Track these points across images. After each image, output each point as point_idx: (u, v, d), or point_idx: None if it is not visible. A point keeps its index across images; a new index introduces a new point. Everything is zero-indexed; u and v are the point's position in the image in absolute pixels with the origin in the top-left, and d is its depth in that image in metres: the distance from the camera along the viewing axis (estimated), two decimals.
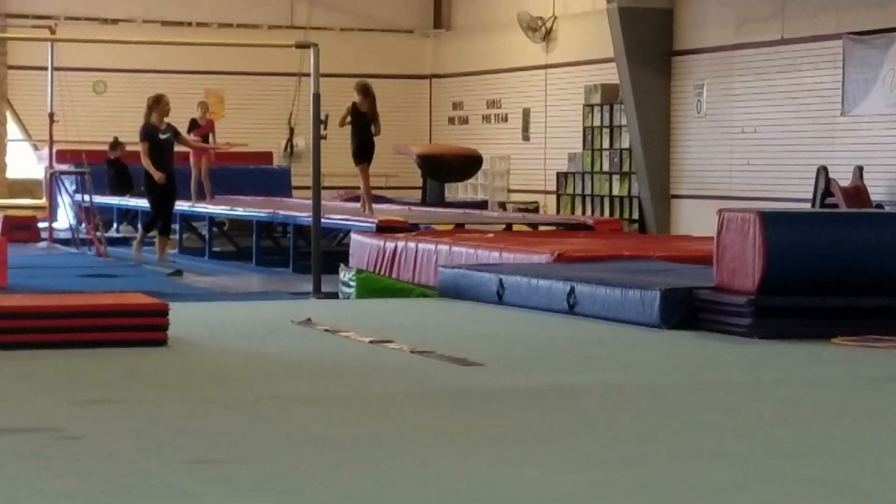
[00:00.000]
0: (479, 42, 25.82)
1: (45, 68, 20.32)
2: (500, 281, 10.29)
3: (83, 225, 18.69)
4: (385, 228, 14.33)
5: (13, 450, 5.24)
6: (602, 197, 22.11)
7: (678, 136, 20.89)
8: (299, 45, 15.18)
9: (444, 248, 12.44)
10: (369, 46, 26.54)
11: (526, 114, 24.50)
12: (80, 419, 5.90)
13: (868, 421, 6.00)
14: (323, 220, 14.05)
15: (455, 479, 4.85)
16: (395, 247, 13.16)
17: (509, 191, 24.93)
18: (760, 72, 19.28)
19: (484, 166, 23.42)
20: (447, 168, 22.32)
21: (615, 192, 21.89)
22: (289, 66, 24.82)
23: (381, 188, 24.32)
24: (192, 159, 18.78)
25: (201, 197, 18.85)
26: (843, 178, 17.25)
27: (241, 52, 24.84)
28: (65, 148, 21.15)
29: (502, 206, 24.06)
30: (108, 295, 9.77)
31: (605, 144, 22.11)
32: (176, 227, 18.51)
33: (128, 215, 21.01)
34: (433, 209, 19.59)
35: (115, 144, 21.92)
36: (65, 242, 19.10)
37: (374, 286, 11.90)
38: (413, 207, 19.22)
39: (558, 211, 22.62)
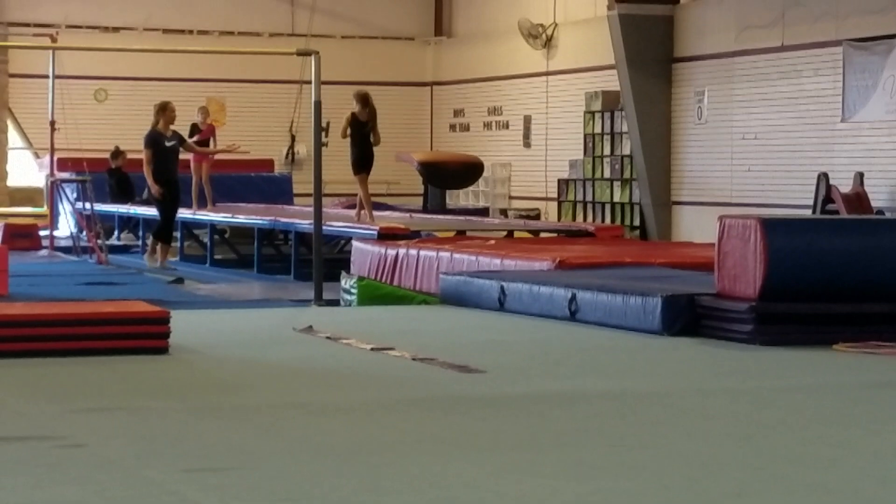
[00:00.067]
0: (480, 49, 25.84)
1: (47, 76, 20.32)
2: (502, 288, 10.29)
3: (84, 233, 18.69)
4: (386, 236, 14.33)
5: (15, 458, 5.24)
6: (603, 203, 22.11)
7: (679, 142, 20.89)
8: (300, 53, 15.16)
9: (445, 255, 12.44)
10: (370, 54, 26.56)
11: (527, 121, 24.51)
12: (82, 427, 5.90)
13: (869, 427, 6.00)
14: (324, 228, 14.04)
15: (457, 487, 4.85)
16: (397, 254, 13.16)
17: (510, 198, 24.94)
18: (761, 78, 19.28)
19: (485, 173, 23.43)
20: (448, 175, 22.33)
21: (616, 198, 21.89)
22: (290, 74, 24.84)
23: (382, 195, 24.33)
24: (192, 165, 18.78)
25: (202, 203, 18.85)
26: (844, 184, 17.25)
27: (243, 60, 24.85)
28: (66, 156, 21.15)
29: (503, 212, 24.06)
30: (109, 303, 9.77)
31: (606, 151, 22.12)
32: (177, 234, 18.51)
33: (129, 223, 21.01)
34: (434, 216, 19.59)
35: (116, 154, 21.92)
36: (66, 250, 19.09)
37: (376, 293, 11.90)
38: (414, 214, 19.22)
39: (559, 218, 22.63)
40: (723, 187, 19.95)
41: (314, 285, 12.92)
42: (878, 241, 8.93)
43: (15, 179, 25.22)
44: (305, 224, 15.53)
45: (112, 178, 21.65)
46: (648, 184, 20.96)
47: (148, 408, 6.39)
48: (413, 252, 12.96)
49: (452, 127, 26.78)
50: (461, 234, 15.83)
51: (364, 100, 15.64)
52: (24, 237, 19.37)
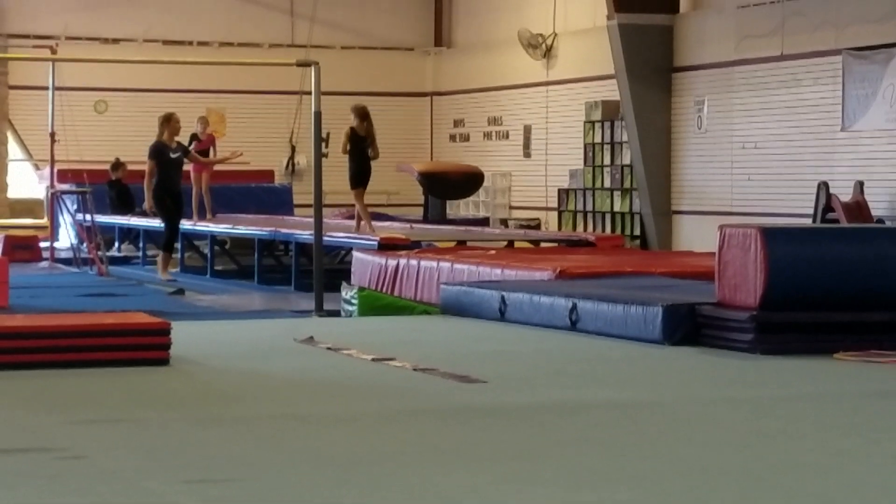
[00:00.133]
0: (480, 59, 25.86)
1: (47, 88, 20.33)
2: (503, 298, 10.29)
3: (84, 244, 18.69)
4: (387, 246, 14.33)
5: (16, 470, 5.24)
6: (603, 213, 22.11)
7: (679, 152, 20.90)
8: (300, 64, 15.18)
9: (445, 265, 12.44)
10: (370, 64, 26.58)
11: (527, 130, 24.52)
12: (83, 439, 5.90)
13: (870, 436, 6.00)
14: (325, 238, 14.04)
15: (458, 497, 4.84)
16: (397, 264, 13.16)
17: (511, 207, 24.94)
18: (761, 88, 19.30)
19: (485, 183, 23.43)
20: (449, 185, 22.33)
21: (616, 208, 21.89)
22: (290, 85, 24.85)
23: (382, 205, 24.34)
24: (192, 175, 18.79)
25: (202, 214, 18.86)
26: (844, 193, 17.26)
27: (243, 71, 24.87)
28: (66, 167, 21.16)
29: (504, 222, 24.06)
30: (109, 314, 9.76)
31: (606, 161, 22.12)
32: (178, 245, 18.51)
33: (129, 235, 21.02)
34: (435, 226, 19.59)
35: (117, 166, 21.93)
36: (66, 262, 19.09)
37: (376, 304, 11.90)
38: (415, 225, 19.22)
39: (560, 227, 22.63)
40: (723, 196, 19.96)
41: (315, 296, 12.92)
42: (879, 250, 8.93)
43: (15, 191, 25.22)
44: (306, 235, 15.53)
45: (112, 190, 21.66)
46: (648, 193, 20.97)
47: (149, 419, 6.38)
48: (414, 262, 12.96)
49: (452, 137, 26.79)
50: (462, 244, 15.83)
51: (363, 114, 15.62)
52: (24, 249, 19.37)
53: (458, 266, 12.28)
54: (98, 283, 16.15)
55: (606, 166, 22.12)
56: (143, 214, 19.68)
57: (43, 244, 19.79)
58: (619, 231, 21.33)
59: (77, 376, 7.62)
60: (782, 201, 18.71)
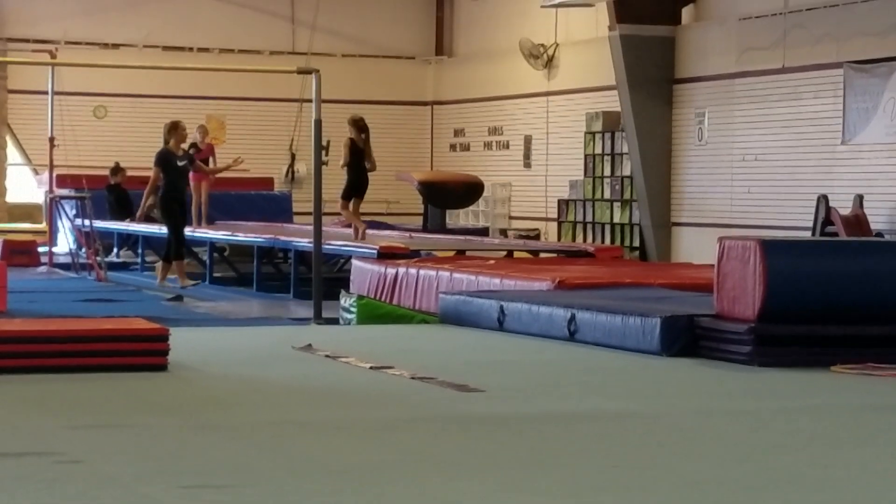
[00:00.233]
0: (481, 69, 25.87)
1: (46, 93, 20.35)
2: (501, 308, 10.28)
3: (83, 249, 18.69)
4: (386, 255, 14.33)
5: (14, 474, 5.23)
6: (603, 224, 22.11)
7: (679, 163, 20.91)
8: (301, 71, 15.20)
9: (445, 274, 12.44)
10: (371, 73, 26.59)
11: (527, 141, 24.53)
12: (81, 444, 5.90)
13: (868, 449, 5.99)
14: (324, 246, 14.05)
15: None
16: (396, 273, 13.16)
17: (510, 218, 24.95)
18: (761, 100, 19.31)
19: (485, 193, 23.43)
20: (448, 195, 22.34)
21: (616, 219, 21.90)
22: (290, 92, 24.86)
23: (381, 214, 24.35)
24: (192, 184, 18.80)
25: (201, 221, 18.86)
26: (844, 206, 17.26)
27: (243, 78, 24.88)
28: (65, 172, 21.16)
29: (503, 232, 24.06)
30: (108, 320, 9.77)
31: (607, 172, 22.13)
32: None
33: (128, 240, 21.01)
34: (434, 236, 19.59)
35: (116, 170, 21.94)
36: (65, 267, 19.09)
37: (375, 312, 11.89)
38: (414, 234, 19.22)
39: (559, 238, 22.63)
40: (722, 209, 19.96)
41: (313, 304, 12.92)
42: (878, 264, 8.94)
43: (14, 196, 25.22)
44: (305, 242, 15.53)
45: (111, 195, 21.66)
46: (648, 205, 20.97)
47: (147, 424, 6.38)
48: (413, 271, 12.95)
49: (453, 146, 26.80)
50: (461, 253, 15.83)
51: (362, 125, 15.64)
52: (22, 254, 19.37)
53: (457, 275, 12.27)
54: (96, 289, 16.15)
55: (606, 177, 22.12)
56: (147, 220, 19.68)
57: (41, 249, 19.80)
58: (618, 242, 21.33)
59: (75, 381, 7.62)
60: (782, 214, 18.71)
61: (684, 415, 6.91)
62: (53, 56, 21.24)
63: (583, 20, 22.81)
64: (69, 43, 24.83)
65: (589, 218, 22.39)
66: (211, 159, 19.64)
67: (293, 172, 26.19)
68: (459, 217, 25.19)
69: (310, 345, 9.22)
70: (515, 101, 24.76)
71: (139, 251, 20.07)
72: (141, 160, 23.74)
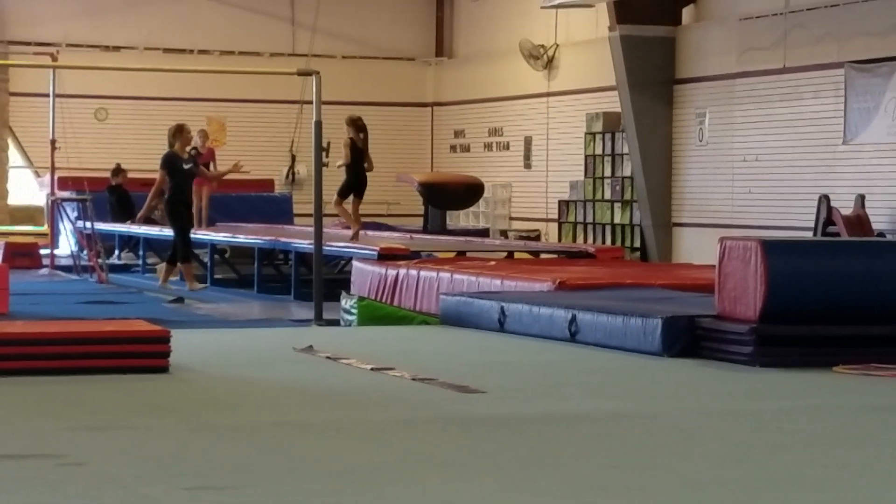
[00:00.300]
0: (481, 70, 25.88)
1: (47, 95, 20.35)
2: (502, 309, 10.28)
3: (85, 252, 18.70)
4: (387, 256, 14.33)
5: (16, 476, 5.23)
6: (604, 225, 22.11)
7: (680, 164, 20.91)
8: (301, 73, 15.18)
9: (445, 275, 12.44)
10: (371, 74, 26.60)
11: (528, 142, 24.54)
12: (83, 445, 5.90)
13: (869, 450, 5.99)
14: (324, 248, 14.04)
15: None
16: (397, 274, 13.16)
17: (511, 219, 24.95)
18: (762, 100, 19.31)
19: (485, 194, 23.43)
20: (449, 196, 22.34)
21: (617, 220, 21.90)
22: (291, 94, 24.87)
23: (382, 215, 24.35)
24: (193, 187, 18.79)
25: (201, 224, 18.85)
26: (845, 206, 17.26)
27: (243, 80, 24.89)
28: (66, 175, 21.17)
29: (504, 233, 24.06)
30: (109, 322, 9.77)
31: (607, 172, 22.13)
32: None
33: (129, 242, 21.02)
34: (435, 237, 19.59)
35: (117, 171, 21.94)
36: (66, 269, 19.09)
37: (376, 313, 11.89)
38: (414, 235, 19.22)
39: (560, 239, 22.63)
40: (723, 209, 19.96)
41: (314, 305, 12.92)
42: (879, 264, 8.93)
43: (15, 198, 25.24)
44: (305, 244, 15.53)
45: (112, 196, 21.66)
46: (649, 205, 20.97)
47: (148, 426, 6.38)
48: (413, 272, 12.96)
49: (453, 147, 26.80)
50: (461, 254, 15.83)
51: (361, 125, 15.68)
52: (24, 256, 19.38)
53: (457, 276, 12.27)
54: (98, 291, 16.16)
55: (607, 178, 22.12)
56: (149, 222, 19.69)
57: (43, 251, 19.80)
58: (619, 243, 21.33)
59: (77, 383, 7.62)
60: (783, 214, 18.71)
61: (685, 415, 6.91)
62: (54, 59, 21.24)
63: (583, 21, 22.82)
64: (70, 45, 24.84)
65: (589, 219, 22.39)
66: (212, 164, 19.63)
67: (293, 174, 26.20)
68: (460, 218, 25.19)
69: (311, 346, 9.23)
70: (515, 101, 24.77)
71: (140, 253, 20.07)
72: (142, 162, 23.80)
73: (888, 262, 8.99)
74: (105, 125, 25.53)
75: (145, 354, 8.03)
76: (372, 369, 8.22)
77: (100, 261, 17.92)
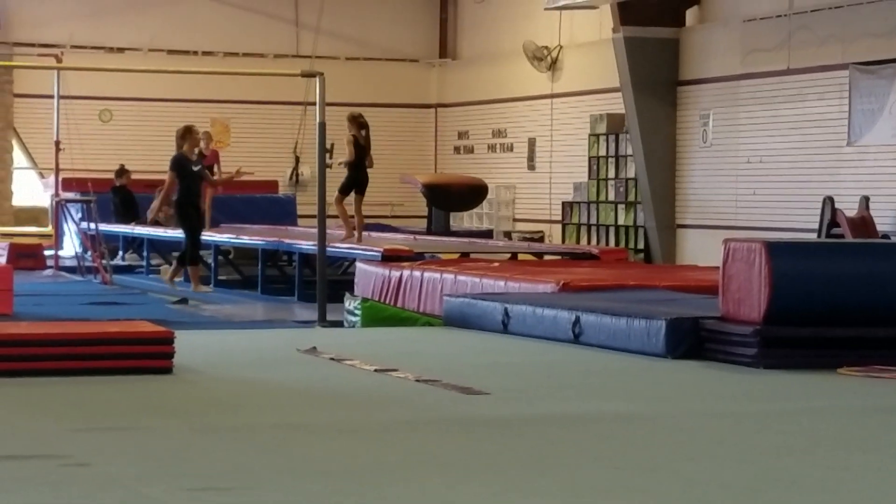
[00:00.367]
0: (485, 71, 25.87)
1: (51, 96, 20.36)
2: (506, 310, 10.28)
3: (89, 253, 18.70)
4: (390, 257, 14.33)
5: (20, 476, 5.23)
6: (607, 226, 22.10)
7: (684, 165, 20.90)
8: (305, 74, 15.18)
9: (449, 276, 12.44)
10: (374, 75, 26.60)
11: (531, 143, 24.53)
12: (86, 446, 5.90)
13: (873, 451, 5.99)
14: (328, 249, 14.04)
15: None
16: (401, 275, 13.16)
17: (515, 220, 24.94)
18: (766, 102, 19.29)
19: (489, 195, 23.43)
20: (452, 197, 22.33)
21: (621, 221, 21.89)
22: (294, 95, 24.88)
23: (386, 217, 24.35)
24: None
25: (204, 226, 18.85)
26: (850, 208, 17.24)
27: (247, 81, 24.89)
28: (71, 176, 21.18)
29: (507, 235, 24.05)
30: (113, 323, 9.77)
31: (611, 174, 22.12)
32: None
33: (133, 243, 21.03)
34: (438, 238, 19.58)
35: (121, 172, 21.95)
36: (70, 270, 19.09)
37: (380, 315, 11.89)
38: (418, 236, 19.22)
39: (564, 240, 22.62)
40: (728, 211, 19.95)
41: (318, 306, 12.91)
42: (884, 266, 8.92)
43: (20, 199, 25.25)
44: (309, 245, 15.53)
45: (116, 196, 21.67)
46: (653, 207, 20.96)
47: (151, 427, 6.38)
48: (417, 274, 12.95)
49: (457, 149, 26.80)
50: (465, 256, 15.83)
51: (363, 122, 15.72)
52: (28, 257, 19.38)
53: (461, 278, 12.27)
54: (102, 292, 16.16)
55: (611, 179, 22.12)
56: (155, 224, 19.69)
57: (47, 252, 19.81)
58: (622, 244, 21.32)
59: (81, 384, 7.63)
60: (787, 216, 18.70)
61: (688, 417, 6.90)
62: (59, 60, 21.24)
63: (587, 22, 22.81)
64: (74, 47, 24.85)
65: (593, 220, 22.38)
66: (216, 165, 19.63)
67: (297, 175, 26.20)
68: (463, 219, 25.19)
69: (314, 347, 9.22)
70: (519, 103, 24.76)
71: (144, 254, 20.07)
72: (146, 163, 23.82)
73: (893, 264, 8.98)
74: (109, 126, 25.54)
75: (149, 355, 8.03)
76: (375, 370, 8.22)
77: (104, 262, 17.92)
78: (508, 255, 16.63)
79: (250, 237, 17.94)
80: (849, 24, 17.93)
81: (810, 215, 17.79)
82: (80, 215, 19.69)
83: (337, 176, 16.27)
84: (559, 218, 23.21)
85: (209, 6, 26.00)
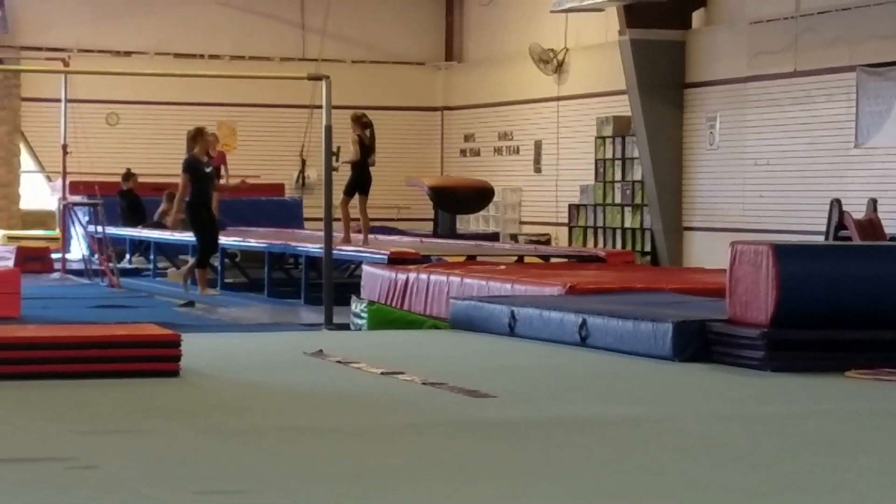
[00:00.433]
0: (491, 74, 25.88)
1: (59, 100, 20.38)
2: (512, 313, 10.27)
3: (96, 256, 18.72)
4: (397, 260, 14.33)
5: (26, 479, 5.23)
6: (614, 229, 22.10)
7: (691, 168, 20.89)
8: (311, 78, 15.18)
9: (455, 279, 12.43)
10: (381, 78, 26.61)
11: (538, 146, 24.53)
12: (93, 449, 5.90)
13: (881, 455, 5.97)
14: (334, 252, 14.04)
15: None
16: (407, 278, 13.16)
17: (521, 223, 24.94)
18: (773, 104, 19.28)
19: (495, 198, 23.43)
20: (459, 200, 22.33)
21: (627, 224, 21.88)
22: (301, 98, 24.89)
23: (392, 220, 24.36)
24: None
25: None
26: (857, 210, 17.21)
27: (254, 84, 24.91)
28: (78, 179, 21.21)
29: (514, 237, 24.05)
30: (120, 326, 9.77)
31: (618, 176, 22.12)
32: (188, 258, 18.54)
33: (140, 247, 21.04)
34: (445, 241, 19.59)
35: (128, 176, 21.99)
36: (78, 273, 19.12)
37: (386, 318, 11.89)
38: (424, 239, 19.22)
39: (570, 243, 22.62)
40: (734, 213, 19.93)
41: (324, 309, 12.91)
42: (891, 268, 8.90)
43: (27, 202, 25.28)
44: (316, 248, 15.53)
45: (123, 200, 21.71)
46: (660, 209, 20.95)
47: (158, 430, 6.38)
48: (423, 276, 12.95)
49: (463, 152, 26.80)
50: (471, 258, 15.83)
51: (366, 122, 15.78)
52: (36, 260, 19.41)
53: (467, 281, 12.26)
54: (109, 295, 16.18)
55: (617, 182, 22.11)
56: (158, 226, 19.69)
57: (55, 255, 19.83)
58: (629, 247, 21.31)
59: (88, 387, 7.63)
60: (794, 218, 18.68)
61: (695, 420, 6.89)
62: (66, 64, 21.27)
63: (593, 25, 22.81)
64: (81, 51, 24.88)
65: (600, 223, 22.38)
66: (223, 167, 19.64)
67: (304, 178, 26.21)
68: (470, 222, 25.19)
69: (321, 350, 9.22)
70: (525, 106, 24.76)
71: (151, 257, 20.09)
72: (153, 167, 23.84)
73: None
74: (116, 130, 25.57)
75: (156, 358, 8.03)
76: (382, 373, 8.22)
77: (111, 265, 17.93)
78: (515, 258, 16.63)
79: (257, 240, 17.95)
80: (856, 26, 17.91)
81: (818, 218, 17.76)
82: (87, 218, 19.71)
83: (343, 178, 16.28)
84: (565, 220, 23.20)
85: (216, 9, 26.02)
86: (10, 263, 17.68)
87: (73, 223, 19.79)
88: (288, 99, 25.35)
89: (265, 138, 26.06)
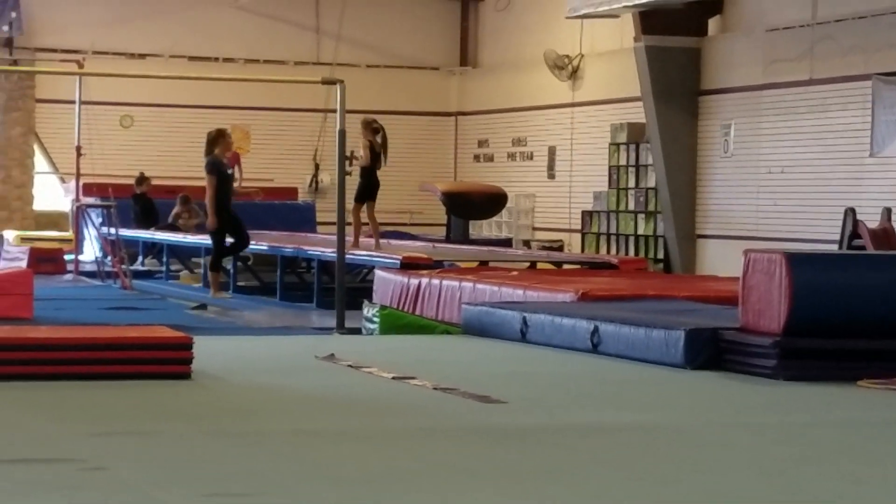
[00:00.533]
0: (505, 80, 25.87)
1: (73, 102, 20.42)
2: (524, 319, 10.26)
3: (109, 258, 18.74)
4: (409, 265, 14.32)
5: (36, 480, 5.24)
6: (627, 236, 22.08)
7: (705, 175, 20.86)
8: (325, 82, 15.19)
9: (467, 285, 12.42)
10: (395, 83, 26.62)
11: (551, 152, 24.52)
12: (103, 451, 5.90)
13: (893, 465, 5.95)
14: (347, 256, 14.05)
15: None
16: (419, 283, 13.15)
17: (534, 229, 24.92)
18: (788, 112, 19.25)
19: (509, 204, 23.42)
20: (472, 205, 22.33)
21: (640, 231, 21.86)
22: (315, 103, 24.91)
23: (405, 224, 24.37)
24: None
25: None
26: (871, 219, 17.16)
27: (268, 88, 24.94)
28: (91, 181, 21.24)
29: (527, 244, 24.04)
30: (132, 328, 9.78)
31: (631, 183, 22.10)
32: (201, 261, 18.56)
33: (153, 249, 21.07)
34: (457, 246, 19.57)
35: (141, 180, 22.04)
36: (90, 275, 19.15)
37: (398, 322, 11.88)
38: (437, 244, 19.21)
39: (583, 249, 22.60)
40: (748, 221, 19.90)
41: (336, 313, 12.92)
42: None
43: (41, 204, 25.33)
44: (328, 252, 15.54)
45: (137, 204, 21.75)
46: (673, 217, 20.92)
47: (170, 432, 6.38)
48: (435, 282, 12.94)
49: (476, 157, 26.80)
50: (484, 264, 15.81)
51: (377, 127, 15.81)
52: (49, 261, 19.44)
53: (479, 286, 12.26)
54: (122, 297, 16.19)
55: (631, 189, 22.09)
56: (170, 228, 19.68)
57: (68, 257, 19.86)
58: (642, 254, 21.29)
59: (99, 389, 7.63)
60: (808, 227, 18.64)
61: (707, 428, 6.87)
62: (81, 66, 21.31)
63: (608, 31, 22.80)
64: (96, 53, 24.93)
65: (613, 229, 22.35)
66: (237, 168, 19.66)
67: (317, 182, 26.23)
68: (483, 228, 25.18)
69: (332, 354, 9.22)
70: (540, 111, 24.75)
71: (164, 259, 20.11)
72: (167, 169, 23.88)
73: None
74: (130, 132, 25.61)
75: (168, 361, 8.04)
76: (393, 378, 8.21)
77: (124, 267, 17.96)
78: (527, 264, 16.61)
79: (270, 244, 17.95)
80: (872, 35, 17.88)
81: (831, 226, 17.72)
82: (100, 220, 19.74)
83: (356, 183, 16.28)
84: (579, 227, 23.18)
85: (231, 13, 26.06)
86: (24, 264, 17.72)
87: (87, 225, 19.82)
88: (302, 103, 25.37)
89: (279, 142, 26.09)
